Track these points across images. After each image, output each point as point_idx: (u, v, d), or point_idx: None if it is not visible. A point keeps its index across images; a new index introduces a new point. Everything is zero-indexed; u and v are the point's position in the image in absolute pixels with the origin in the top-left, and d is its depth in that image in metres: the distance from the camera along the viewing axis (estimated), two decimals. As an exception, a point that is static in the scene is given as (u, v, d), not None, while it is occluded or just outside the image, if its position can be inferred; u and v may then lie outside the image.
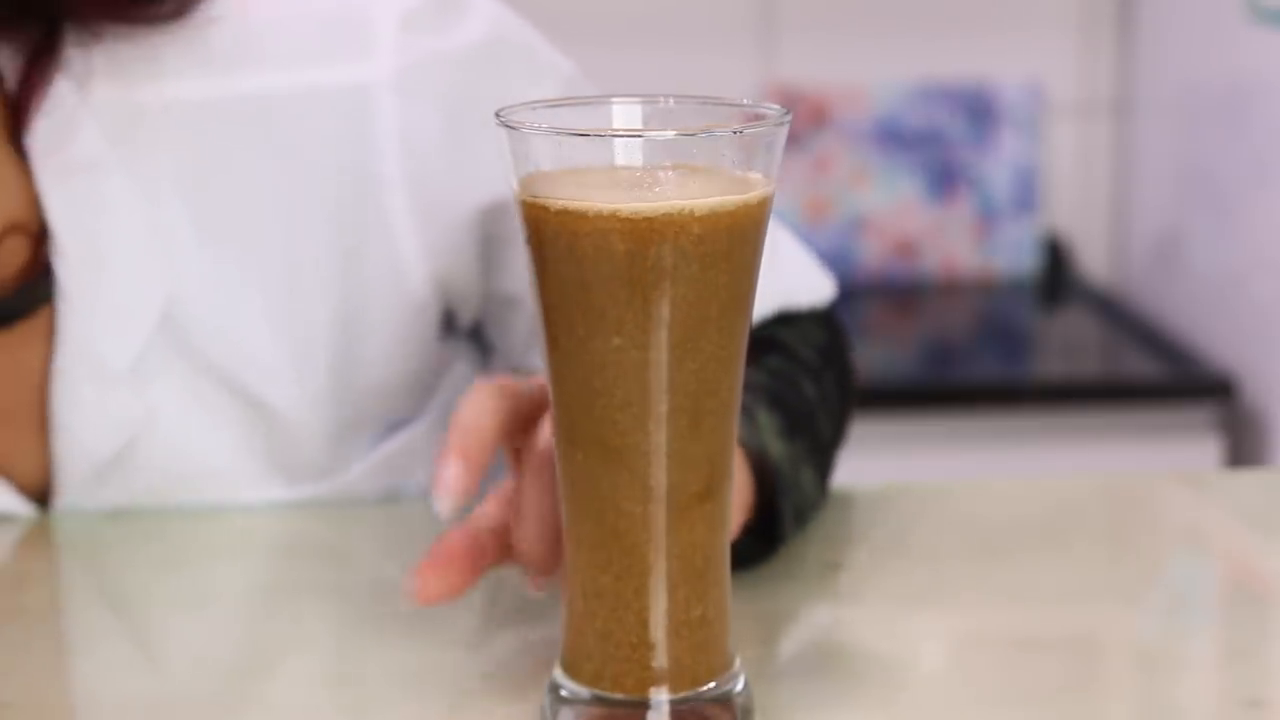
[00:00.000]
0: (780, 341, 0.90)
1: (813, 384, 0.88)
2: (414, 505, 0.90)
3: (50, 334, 0.84)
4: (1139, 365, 2.07)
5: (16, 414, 0.86)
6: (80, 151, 0.81)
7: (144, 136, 0.83)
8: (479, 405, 0.67)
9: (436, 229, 0.86)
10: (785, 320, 0.92)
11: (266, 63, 0.84)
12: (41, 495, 0.87)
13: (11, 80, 0.81)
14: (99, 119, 0.82)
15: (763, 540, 0.79)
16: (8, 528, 0.86)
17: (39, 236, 0.82)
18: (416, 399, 0.92)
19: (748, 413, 0.80)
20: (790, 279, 0.93)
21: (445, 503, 0.66)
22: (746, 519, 0.76)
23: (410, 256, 0.86)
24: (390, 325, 0.88)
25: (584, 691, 0.64)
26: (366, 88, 0.85)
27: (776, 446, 0.80)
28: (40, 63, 0.80)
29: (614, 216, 0.58)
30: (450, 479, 0.66)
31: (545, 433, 0.68)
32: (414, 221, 0.86)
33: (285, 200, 0.85)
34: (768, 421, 0.81)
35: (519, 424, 0.69)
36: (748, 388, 0.81)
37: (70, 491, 0.87)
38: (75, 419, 0.84)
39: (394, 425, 0.92)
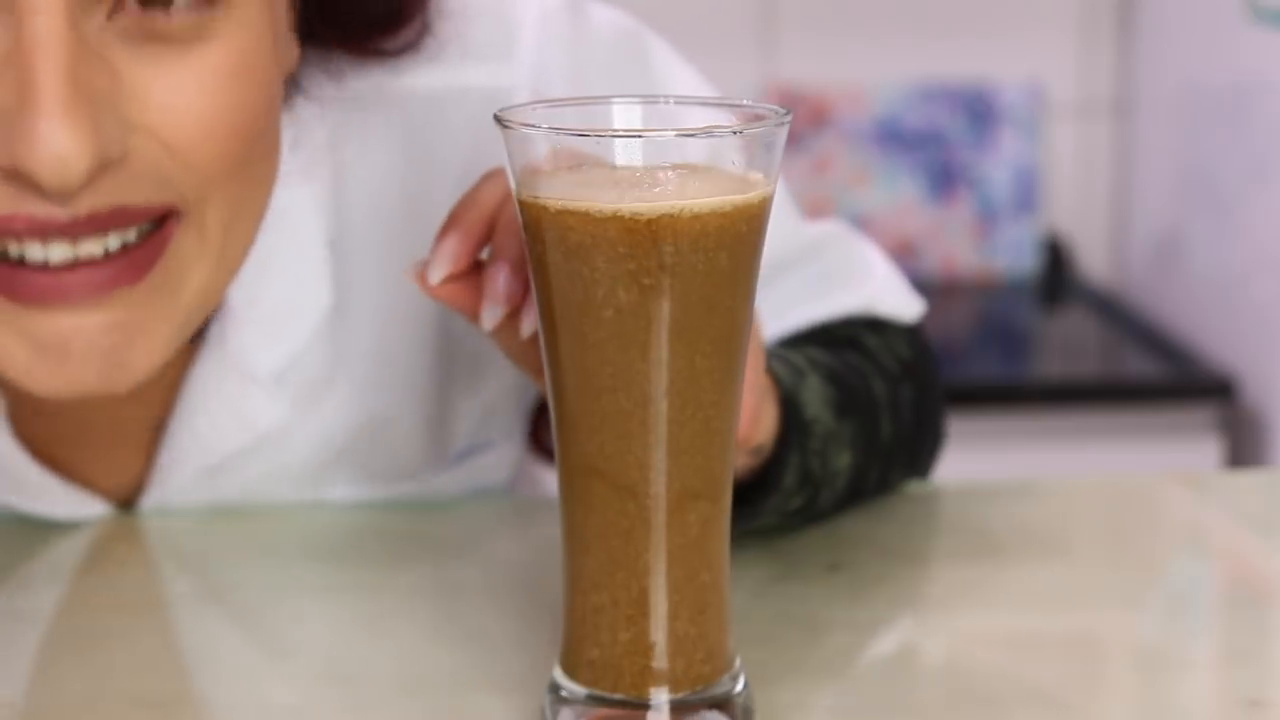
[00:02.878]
0: (863, 344, 0.88)
1: (885, 386, 0.86)
2: (415, 506, 0.90)
3: (195, 339, 0.82)
4: (1139, 365, 2.07)
5: (139, 423, 0.85)
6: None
7: (313, 136, 0.81)
8: (488, 189, 0.68)
9: None
10: (872, 326, 0.90)
11: (426, 63, 0.82)
12: (127, 497, 0.87)
13: None
14: (287, 140, 0.78)
15: (756, 492, 0.77)
16: (15, 529, 0.86)
17: None
18: (507, 417, 0.92)
19: (799, 372, 0.79)
20: (879, 285, 0.91)
21: (437, 271, 0.67)
22: (756, 461, 0.76)
23: None
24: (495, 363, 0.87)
25: (583, 691, 0.64)
26: (507, 90, 0.83)
27: (818, 407, 0.78)
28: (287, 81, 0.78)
29: (614, 216, 0.58)
30: (445, 248, 0.67)
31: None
32: None
33: (421, 204, 0.83)
34: (817, 386, 0.79)
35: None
36: (811, 357, 0.82)
37: (163, 493, 0.86)
38: (204, 421, 0.83)
39: (483, 444, 0.92)
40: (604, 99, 0.64)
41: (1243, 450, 1.96)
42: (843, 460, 0.81)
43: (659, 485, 0.62)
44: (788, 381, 0.78)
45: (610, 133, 0.62)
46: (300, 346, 0.84)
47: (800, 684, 0.69)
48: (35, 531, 0.86)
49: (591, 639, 0.63)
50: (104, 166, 0.64)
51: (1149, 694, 0.70)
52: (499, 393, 0.91)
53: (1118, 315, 2.20)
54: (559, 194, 0.59)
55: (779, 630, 0.74)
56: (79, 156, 0.62)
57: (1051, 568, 0.81)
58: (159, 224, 0.68)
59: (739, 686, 0.65)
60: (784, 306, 0.89)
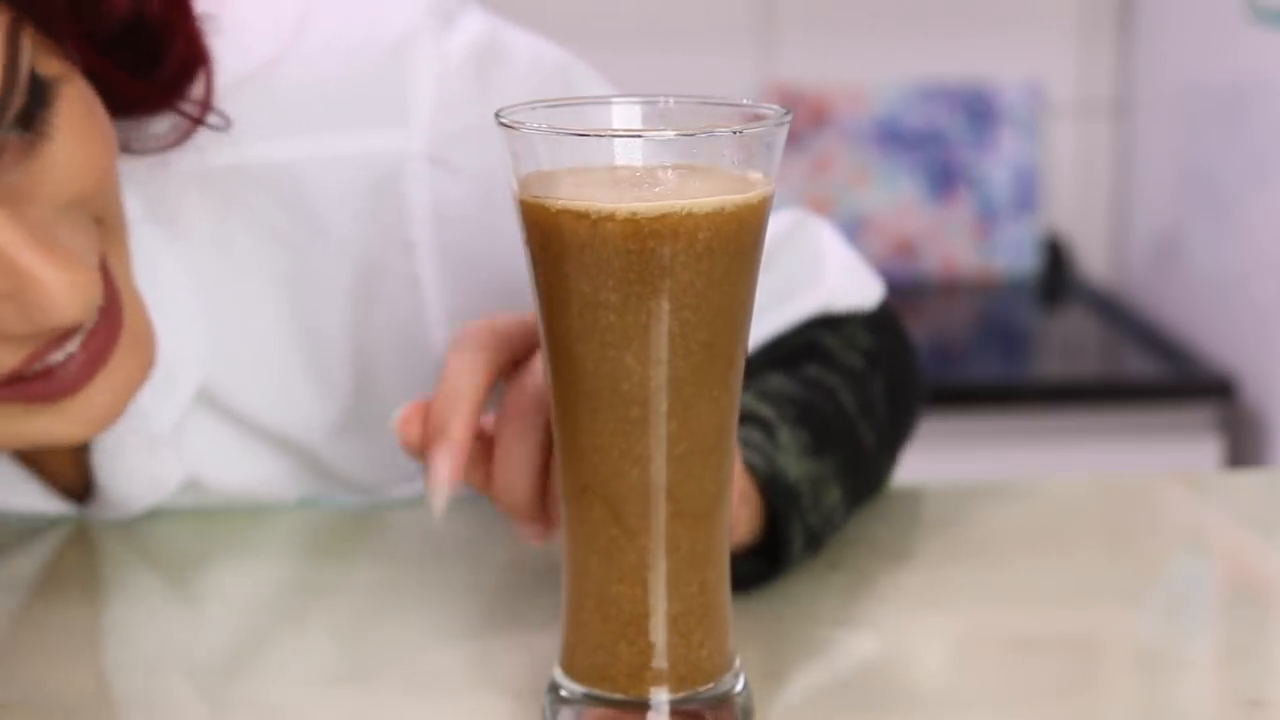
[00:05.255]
0: (823, 348, 0.87)
1: (853, 392, 0.85)
2: (415, 507, 0.90)
3: None
4: (1139, 365, 2.07)
5: (66, 464, 0.87)
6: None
7: (178, 205, 0.83)
8: (460, 372, 0.67)
9: (464, 294, 0.85)
10: (830, 324, 0.89)
11: (296, 130, 0.83)
12: (81, 497, 0.88)
13: None
14: (136, 189, 0.81)
15: (767, 562, 0.77)
16: (9, 528, 0.86)
17: None
18: None
19: (769, 430, 0.78)
20: (833, 282, 0.90)
21: (440, 498, 0.67)
22: (753, 540, 0.76)
23: (434, 319, 0.85)
24: (408, 379, 0.87)
25: (583, 691, 0.64)
26: (401, 156, 0.83)
27: (798, 466, 0.78)
28: None
29: (614, 216, 0.58)
30: (442, 475, 0.66)
31: (531, 375, 0.67)
32: (442, 287, 0.85)
33: (312, 263, 0.84)
34: (790, 439, 0.79)
35: (507, 367, 0.69)
36: (777, 401, 0.81)
37: (114, 511, 0.87)
38: (119, 479, 0.85)
39: None
40: (604, 99, 0.64)
41: (1243, 450, 1.96)
42: (833, 497, 0.80)
43: (658, 486, 0.62)
44: (761, 462, 0.77)
45: (610, 133, 0.62)
46: (189, 397, 0.85)
47: (800, 684, 0.69)
48: (8, 532, 0.86)
49: (591, 639, 0.63)
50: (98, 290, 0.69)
51: (1149, 694, 0.70)
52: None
53: (1118, 315, 2.20)
54: (559, 194, 0.59)
55: (779, 630, 0.74)
56: (83, 282, 0.68)
57: (1051, 567, 0.81)
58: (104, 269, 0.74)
59: (739, 686, 0.65)
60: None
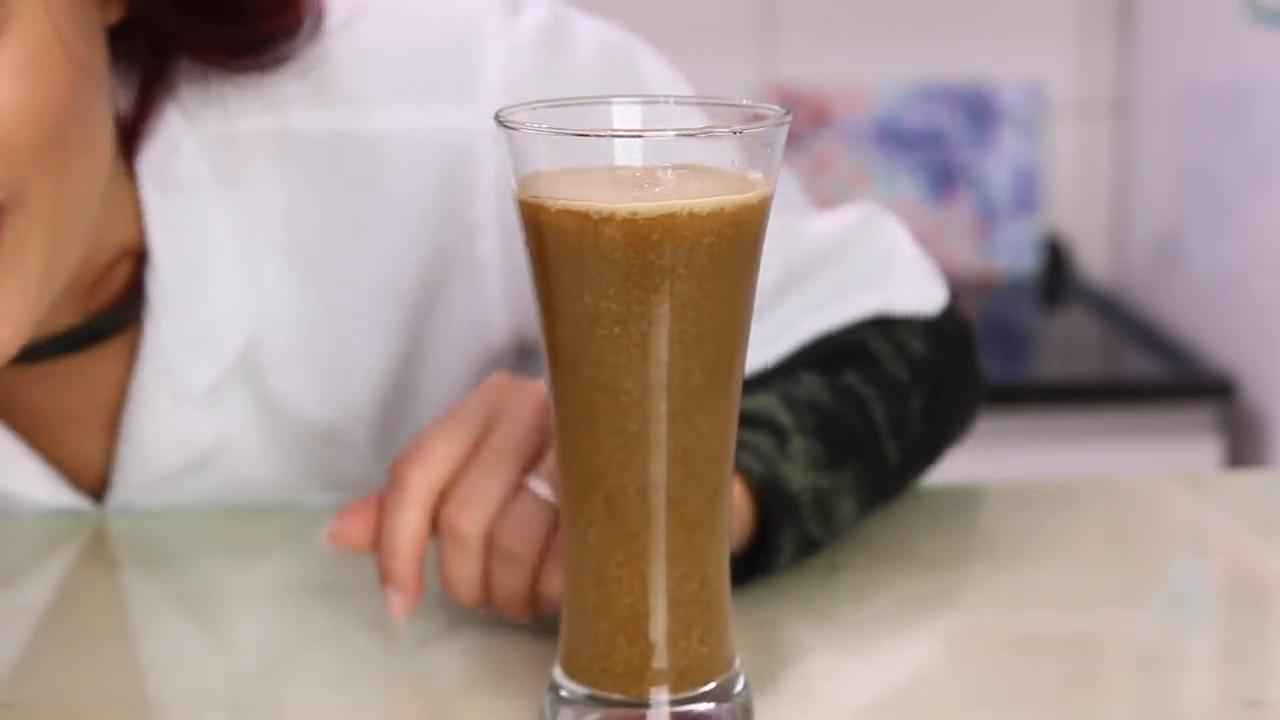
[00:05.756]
0: (869, 352, 0.85)
1: (887, 406, 0.83)
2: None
3: (133, 349, 0.84)
4: (1139, 365, 2.07)
5: (90, 419, 0.86)
6: (183, 177, 0.82)
7: (246, 166, 0.82)
8: (400, 529, 0.70)
9: (524, 276, 0.85)
10: (885, 326, 0.87)
11: (371, 100, 0.83)
12: (98, 492, 0.88)
13: (125, 105, 0.81)
14: (204, 147, 0.81)
15: (749, 566, 0.77)
16: (9, 526, 0.86)
17: (140, 258, 0.83)
18: None
19: (782, 438, 0.78)
20: (896, 283, 0.88)
21: (399, 626, 0.72)
22: (742, 543, 0.75)
23: (494, 303, 0.86)
24: (459, 367, 0.88)
25: (583, 691, 0.64)
26: (469, 134, 0.83)
27: (804, 478, 0.77)
28: (152, 90, 0.80)
29: (614, 217, 0.58)
30: (398, 611, 0.70)
31: (416, 445, 0.70)
32: (505, 269, 0.85)
33: (376, 237, 0.84)
34: (801, 450, 0.78)
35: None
36: (800, 408, 0.79)
37: (127, 493, 0.87)
38: (146, 433, 0.85)
39: None
40: (604, 99, 0.64)
41: (1243, 450, 1.96)
42: (847, 508, 0.80)
43: (658, 486, 0.62)
44: (759, 468, 0.76)
45: (610, 133, 0.62)
46: (231, 362, 0.85)
47: (800, 684, 0.69)
48: (15, 532, 0.86)
49: (591, 639, 0.63)
50: None
51: (1149, 694, 0.70)
52: (462, 390, 0.90)
53: (1118, 315, 2.19)
54: (559, 194, 0.59)
55: (779, 630, 0.74)
56: None
57: (1051, 567, 0.81)
58: None
59: (739, 686, 0.65)
60: (796, 317, 0.86)
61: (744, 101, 0.63)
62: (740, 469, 0.75)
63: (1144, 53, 2.25)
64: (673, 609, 0.63)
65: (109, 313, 0.83)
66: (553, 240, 0.60)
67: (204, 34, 0.78)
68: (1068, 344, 2.20)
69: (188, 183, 0.81)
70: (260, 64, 0.80)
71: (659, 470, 0.61)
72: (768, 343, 0.85)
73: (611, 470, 0.62)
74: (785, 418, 0.79)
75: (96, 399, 0.86)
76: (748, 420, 0.77)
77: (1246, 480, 1.18)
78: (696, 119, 0.63)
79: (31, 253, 0.71)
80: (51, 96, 0.70)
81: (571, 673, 0.64)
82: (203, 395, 0.85)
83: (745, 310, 0.62)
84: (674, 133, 0.60)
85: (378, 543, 0.71)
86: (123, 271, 0.83)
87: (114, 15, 0.75)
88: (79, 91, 0.72)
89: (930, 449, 0.88)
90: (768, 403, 0.79)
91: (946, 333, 0.90)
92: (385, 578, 0.70)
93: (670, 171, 0.59)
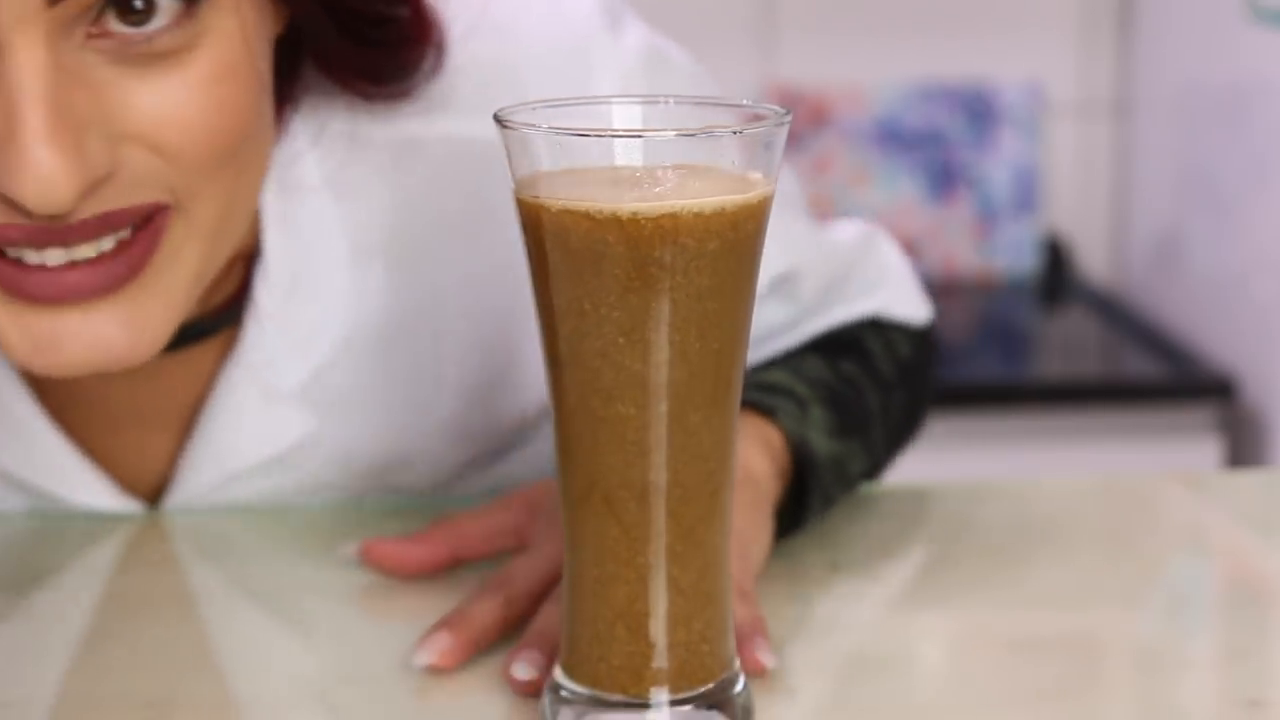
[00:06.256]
0: (864, 347, 0.93)
1: (879, 397, 0.91)
2: (417, 506, 0.90)
3: (226, 348, 0.85)
4: (1139, 365, 2.07)
5: (165, 417, 0.86)
6: (302, 180, 0.82)
7: (361, 171, 0.83)
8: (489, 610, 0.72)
9: None
10: (879, 328, 0.95)
11: (483, 110, 0.82)
12: (153, 493, 0.88)
13: None
14: (323, 153, 0.82)
15: (781, 523, 0.81)
16: (46, 528, 0.86)
17: (250, 259, 0.83)
18: (533, 430, 0.93)
19: (802, 405, 0.84)
20: (893, 291, 0.96)
21: (425, 659, 0.70)
22: (779, 502, 0.80)
23: None
24: (541, 382, 0.88)
25: (584, 691, 0.64)
26: None
27: (824, 442, 0.83)
28: (283, 99, 0.80)
29: (614, 216, 0.58)
30: (442, 648, 0.70)
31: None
32: None
33: (477, 244, 0.85)
34: (820, 417, 0.84)
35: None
36: (811, 382, 0.87)
37: (188, 494, 0.87)
38: (226, 431, 0.85)
39: (511, 446, 0.94)
40: (604, 99, 0.64)
41: (1243, 450, 1.96)
42: (855, 475, 0.87)
43: (659, 487, 0.62)
44: (792, 424, 0.83)
45: (610, 133, 0.62)
46: (325, 362, 0.85)
47: (800, 683, 0.69)
48: (66, 531, 0.86)
49: (591, 639, 0.63)
50: (92, 186, 0.66)
51: (1149, 694, 0.70)
52: (538, 405, 0.91)
53: (1118, 315, 2.20)
54: (559, 194, 0.59)
55: (779, 630, 0.74)
56: (65, 182, 0.64)
57: (1051, 567, 0.81)
58: (149, 218, 0.70)
59: (739, 686, 0.65)
60: (801, 317, 0.92)
61: (744, 101, 0.63)
62: (775, 427, 0.82)
63: (1144, 53, 2.25)
64: (673, 609, 0.63)
65: (213, 313, 0.84)
66: (553, 240, 0.60)
67: (351, 56, 0.78)
68: (1068, 344, 2.20)
69: (305, 186, 0.82)
70: (390, 93, 0.81)
71: (659, 470, 0.61)
72: (790, 330, 0.92)
73: (611, 470, 0.62)
74: (801, 389, 0.85)
75: (179, 398, 0.86)
76: (767, 388, 0.84)
77: (1246, 480, 1.18)
78: (696, 119, 0.63)
79: (185, 259, 0.72)
80: (237, 110, 0.70)
81: (571, 672, 0.64)
82: (288, 398, 0.85)
83: (745, 309, 0.62)
84: (674, 133, 0.60)
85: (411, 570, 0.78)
86: (235, 275, 0.83)
87: (278, 29, 0.76)
88: (259, 105, 0.72)
89: (900, 443, 0.95)
90: (782, 377, 0.86)
91: (925, 343, 0.99)
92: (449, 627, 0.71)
93: (670, 171, 0.59)
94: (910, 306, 0.97)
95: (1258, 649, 0.74)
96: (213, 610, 0.79)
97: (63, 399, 0.85)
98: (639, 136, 0.61)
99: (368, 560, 0.79)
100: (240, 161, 0.72)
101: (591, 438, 0.62)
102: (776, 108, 0.61)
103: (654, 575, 0.62)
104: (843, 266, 0.94)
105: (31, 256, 0.68)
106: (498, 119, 0.61)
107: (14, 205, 0.66)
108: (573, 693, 0.64)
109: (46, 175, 0.64)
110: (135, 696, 0.69)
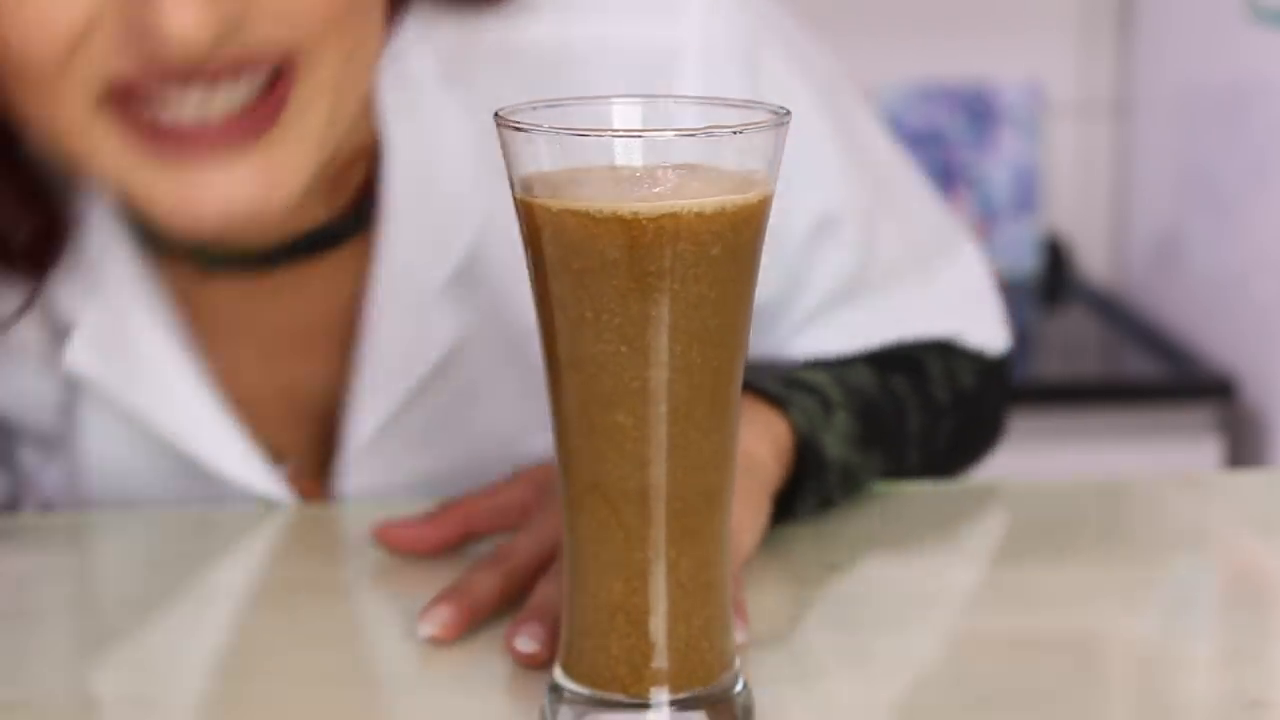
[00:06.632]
0: (923, 369, 0.92)
1: (922, 418, 0.90)
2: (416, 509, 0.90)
3: (363, 257, 0.86)
4: (1139, 365, 2.07)
5: (321, 337, 0.89)
6: (418, 74, 0.84)
7: (474, 69, 0.85)
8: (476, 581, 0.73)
9: None
10: (946, 351, 0.94)
11: (582, 10, 0.86)
12: (322, 429, 0.90)
13: None
14: (436, 50, 0.84)
15: (779, 510, 0.81)
16: (195, 518, 0.86)
17: (374, 160, 0.85)
18: None
19: (828, 409, 0.84)
20: (970, 317, 0.96)
21: (427, 631, 0.71)
22: (777, 489, 0.80)
23: None
24: None
25: (583, 691, 0.63)
26: (673, 51, 0.86)
27: (839, 448, 0.83)
28: (392, 6, 0.82)
29: (614, 216, 0.58)
30: (444, 620, 0.71)
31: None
32: None
33: None
34: (843, 424, 0.84)
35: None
36: (849, 389, 0.87)
37: (364, 420, 0.88)
38: (384, 341, 0.87)
39: None
40: (604, 99, 0.64)
41: (1243, 450, 1.96)
42: (866, 484, 0.87)
43: (658, 488, 0.62)
44: (804, 420, 0.83)
45: (610, 132, 0.62)
46: (461, 260, 0.86)
47: (799, 684, 0.69)
48: (214, 519, 0.86)
49: (591, 639, 0.63)
50: (226, 27, 0.71)
51: (1149, 694, 0.70)
52: None
53: (1118, 315, 2.19)
54: (559, 194, 0.59)
55: (778, 629, 0.74)
56: (203, 28, 0.71)
57: (1051, 567, 0.81)
58: (277, 78, 0.75)
59: (739, 686, 0.65)
60: (882, 323, 0.92)
61: (744, 101, 0.63)
62: (784, 420, 0.82)
63: (1144, 53, 2.25)
64: (673, 609, 0.63)
65: (345, 215, 0.85)
66: (553, 240, 0.60)
67: None
68: (1068, 344, 2.20)
69: (422, 80, 0.84)
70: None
71: (659, 470, 0.61)
72: (850, 300, 0.91)
73: (611, 470, 0.62)
74: (834, 394, 0.85)
75: (328, 313, 0.88)
76: (801, 387, 0.85)
77: (1247, 480, 1.18)
78: (696, 118, 0.63)
79: (314, 114, 0.76)
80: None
81: (571, 672, 0.64)
82: (440, 295, 0.86)
83: (745, 308, 0.62)
84: (674, 133, 0.60)
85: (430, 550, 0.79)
86: (359, 172, 0.85)
87: None
88: None
89: (939, 470, 0.94)
90: (821, 378, 0.86)
91: (994, 377, 0.97)
92: (449, 598, 0.72)
93: (670, 171, 0.59)
94: (986, 334, 0.97)
95: (1258, 649, 0.74)
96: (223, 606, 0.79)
97: (220, 332, 0.87)
98: (639, 136, 0.61)
99: (383, 542, 0.80)
100: (356, 20, 0.76)
101: (591, 438, 0.62)
102: (776, 108, 0.61)
103: (653, 575, 0.62)
104: (942, 279, 0.94)
105: (167, 115, 0.73)
106: (498, 118, 0.61)
107: (153, 52, 0.71)
108: (573, 693, 0.64)
109: (187, 21, 0.69)
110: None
